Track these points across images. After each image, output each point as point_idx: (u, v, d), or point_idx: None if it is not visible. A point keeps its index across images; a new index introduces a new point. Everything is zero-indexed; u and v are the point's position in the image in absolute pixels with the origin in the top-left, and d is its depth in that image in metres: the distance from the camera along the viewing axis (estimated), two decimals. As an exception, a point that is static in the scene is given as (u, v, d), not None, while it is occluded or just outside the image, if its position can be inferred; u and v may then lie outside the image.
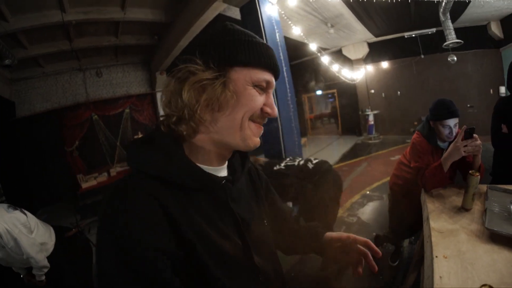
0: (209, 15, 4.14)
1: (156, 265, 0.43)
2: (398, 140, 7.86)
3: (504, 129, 1.88)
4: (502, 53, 6.73)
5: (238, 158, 0.69)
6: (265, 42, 0.58)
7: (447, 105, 1.66)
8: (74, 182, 5.92)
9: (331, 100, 18.07)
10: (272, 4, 3.39)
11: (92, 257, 3.46)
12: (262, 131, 0.60)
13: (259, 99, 0.56)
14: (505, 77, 1.97)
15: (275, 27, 3.32)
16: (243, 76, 0.54)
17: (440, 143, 1.76)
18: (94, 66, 6.48)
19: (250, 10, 3.27)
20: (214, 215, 0.55)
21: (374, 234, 2.64)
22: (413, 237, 2.66)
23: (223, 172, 0.62)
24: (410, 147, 1.89)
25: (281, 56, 3.32)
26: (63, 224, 4.37)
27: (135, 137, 6.15)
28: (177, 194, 0.50)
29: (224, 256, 0.53)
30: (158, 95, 7.46)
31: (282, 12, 3.63)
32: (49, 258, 1.85)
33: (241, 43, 0.54)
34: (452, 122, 1.65)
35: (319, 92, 10.70)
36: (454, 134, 1.68)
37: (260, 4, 3.19)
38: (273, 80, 0.59)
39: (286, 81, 3.41)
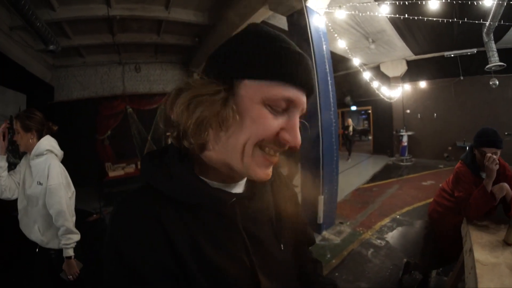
0: (253, 21, 4.14)
1: (156, 283, 0.41)
2: (431, 164, 7.53)
3: None
4: None
5: None
6: (299, 50, 0.45)
7: (488, 133, 1.69)
8: (102, 170, 6.10)
9: (363, 117, 17.82)
10: (320, 15, 3.33)
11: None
12: (273, 162, 0.47)
13: (271, 122, 0.43)
14: None
15: (322, 39, 3.25)
16: (252, 92, 0.42)
17: (482, 174, 1.73)
18: (133, 61, 6.72)
19: (298, 19, 3.21)
20: (222, 236, 0.48)
21: (405, 260, 2.56)
22: (441, 269, 2.54)
23: (239, 187, 0.55)
24: (454, 176, 1.89)
25: (327, 69, 3.24)
26: (86, 209, 4.52)
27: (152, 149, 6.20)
28: (181, 212, 0.46)
29: (228, 282, 0.47)
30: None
31: (329, 24, 3.56)
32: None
33: (255, 49, 0.43)
34: (490, 151, 1.64)
35: (353, 108, 10.49)
36: None
37: (309, 14, 3.13)
38: (301, 98, 0.45)
39: (331, 95, 3.33)
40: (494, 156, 1.59)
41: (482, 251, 1.29)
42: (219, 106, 0.42)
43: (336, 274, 2.66)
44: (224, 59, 0.44)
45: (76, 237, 1.66)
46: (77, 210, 1.80)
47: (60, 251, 1.66)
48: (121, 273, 0.42)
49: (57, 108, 6.00)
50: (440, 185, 2.16)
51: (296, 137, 0.45)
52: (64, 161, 1.81)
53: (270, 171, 0.48)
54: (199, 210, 0.47)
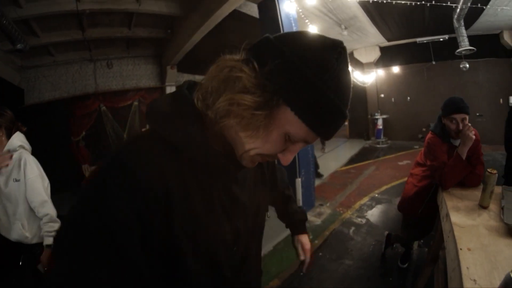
0: (225, 10, 4.10)
1: (127, 233, 0.40)
2: (406, 145, 7.82)
3: None
4: None
5: None
6: (344, 108, 0.46)
7: (455, 101, 1.74)
8: (79, 172, 5.90)
9: None
10: (291, 1, 3.35)
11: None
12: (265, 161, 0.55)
13: (279, 147, 0.47)
14: None
15: (293, 25, 3.28)
16: (285, 121, 0.44)
17: (453, 141, 1.80)
18: (105, 57, 6.45)
19: (269, 6, 3.23)
20: (213, 194, 0.52)
21: (386, 232, 2.66)
22: (422, 241, 2.70)
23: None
24: (425, 146, 1.92)
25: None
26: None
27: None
28: (180, 161, 0.48)
29: (204, 237, 0.50)
30: (168, 89, 7.40)
31: (300, 10, 3.59)
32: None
33: (315, 90, 0.42)
34: (460, 117, 1.70)
35: None
36: None
37: (279, 1, 3.14)
38: (314, 140, 0.48)
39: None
40: (465, 127, 1.65)
41: (458, 215, 1.33)
42: (258, 120, 0.43)
43: (320, 253, 2.72)
44: (285, 74, 0.42)
45: (57, 225, 1.65)
46: (61, 217, 1.78)
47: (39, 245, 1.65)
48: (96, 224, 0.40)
49: (28, 112, 5.70)
50: (406, 162, 2.27)
51: (287, 161, 0.49)
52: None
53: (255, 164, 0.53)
54: (197, 164, 0.49)
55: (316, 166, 4.92)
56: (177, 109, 0.49)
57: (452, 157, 1.70)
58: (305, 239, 1.01)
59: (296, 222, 1.03)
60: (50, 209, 1.61)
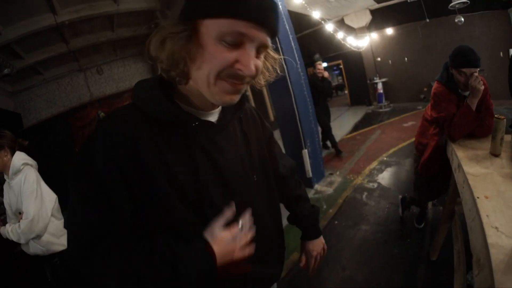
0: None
1: (111, 180, 0.50)
2: (409, 107, 7.70)
3: None
4: (511, 14, 6.34)
5: (233, 106, 0.65)
6: None
7: (465, 53, 1.58)
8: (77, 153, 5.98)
9: (336, 72, 17.83)
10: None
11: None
12: (241, 89, 0.56)
13: (226, 55, 0.49)
14: None
15: (278, -5, 3.17)
16: (210, 29, 0.49)
17: (461, 91, 1.69)
18: (94, 64, 6.41)
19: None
20: (185, 152, 0.58)
21: (400, 196, 2.62)
22: (435, 200, 2.65)
23: (213, 116, 0.65)
24: (432, 98, 1.81)
25: (286, 26, 3.16)
26: None
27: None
28: (153, 127, 0.55)
29: (185, 191, 0.56)
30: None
31: (282, -20, 3.45)
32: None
33: None
34: (469, 71, 1.56)
35: (324, 64, 10.45)
36: None
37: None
38: (254, 32, 0.49)
39: (294, 50, 3.30)
40: (474, 76, 1.54)
41: (470, 164, 1.28)
42: (184, 42, 0.50)
43: (336, 222, 2.73)
44: (186, 2, 0.51)
45: (21, 238, 1.64)
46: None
47: (61, 254, 1.77)
48: (85, 169, 0.52)
49: (29, 134, 5.74)
50: (411, 123, 2.18)
51: (247, 66, 0.50)
52: (49, 181, 1.83)
53: (236, 97, 0.56)
54: (168, 128, 0.56)
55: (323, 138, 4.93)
56: (146, 83, 0.59)
57: (460, 107, 1.62)
58: (315, 246, 0.95)
59: (306, 228, 0.97)
60: (39, 221, 1.64)
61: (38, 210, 1.63)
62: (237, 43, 0.49)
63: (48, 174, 1.83)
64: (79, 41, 5.29)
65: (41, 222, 1.64)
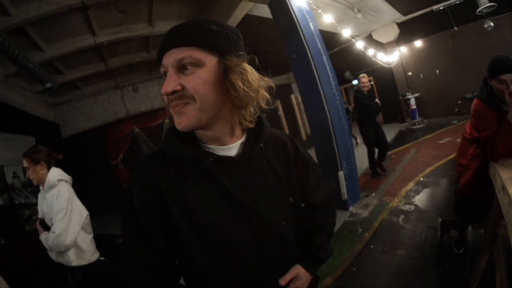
0: (236, 17, 4.14)
1: (145, 217, 0.60)
2: (444, 122, 7.37)
3: None
4: None
5: (253, 136, 0.71)
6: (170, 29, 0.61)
7: (502, 59, 1.52)
8: (122, 192, 6.21)
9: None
10: (300, -6, 3.30)
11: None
12: (180, 110, 0.59)
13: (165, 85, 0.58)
14: None
15: (308, 17, 3.21)
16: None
17: (503, 106, 1.57)
18: (130, 82, 6.78)
19: (280, 4, 3.19)
20: (202, 190, 0.62)
21: (440, 219, 2.48)
22: (476, 223, 2.46)
23: (233, 150, 0.67)
24: (472, 116, 1.71)
25: (319, 45, 3.20)
26: (115, 233, 4.61)
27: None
28: (174, 168, 0.62)
29: (203, 227, 0.61)
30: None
31: (311, 1, 3.51)
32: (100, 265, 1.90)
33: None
34: (509, 77, 1.48)
35: (355, 82, 10.31)
36: None
37: (288, -4, 3.10)
38: (164, 60, 0.60)
39: (328, 69, 3.29)
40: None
41: None
42: None
43: (371, 246, 2.63)
44: None
45: (51, 241, 1.72)
46: (106, 235, 1.91)
47: (84, 268, 1.82)
48: (124, 209, 0.63)
49: (66, 144, 6.12)
50: (447, 140, 2.08)
51: (163, 88, 0.58)
52: (83, 192, 1.94)
53: (180, 120, 0.59)
54: (186, 167, 0.63)
55: (372, 164, 4.42)
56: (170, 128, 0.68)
57: (503, 124, 1.50)
58: (306, 278, 0.78)
59: (312, 256, 0.83)
60: (66, 238, 1.70)
61: (65, 228, 1.71)
62: (166, 73, 0.59)
63: (82, 184, 1.92)
64: (116, 60, 5.64)
65: (68, 239, 1.70)
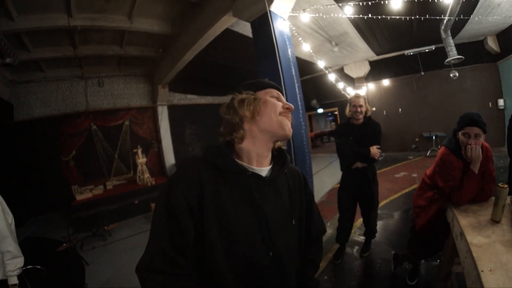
0: (217, 29, 4.14)
1: (179, 206, 0.69)
2: (401, 157, 7.85)
3: None
4: (499, 67, 6.89)
5: (280, 164, 0.89)
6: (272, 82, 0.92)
7: (470, 115, 1.64)
8: (69, 193, 5.70)
9: (330, 118, 18.36)
10: (284, 19, 3.38)
11: (84, 276, 3.26)
12: (290, 119, 0.86)
13: (278, 102, 0.85)
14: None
15: (287, 43, 3.28)
16: (263, 94, 0.86)
17: (467, 158, 1.67)
18: (96, 75, 6.43)
19: (262, 24, 3.22)
20: (238, 196, 0.75)
21: (393, 252, 2.56)
22: None
23: (263, 172, 0.83)
24: (438, 164, 1.77)
25: (293, 72, 3.27)
26: (55, 237, 4.16)
27: (134, 149, 6.11)
28: (216, 174, 0.75)
29: (231, 227, 0.72)
30: (159, 108, 7.41)
31: (293, 28, 3.62)
32: (32, 274, 1.69)
33: (256, 81, 0.90)
34: (472, 131, 1.60)
35: (320, 110, 10.71)
36: None
37: (273, 19, 3.15)
38: (279, 93, 0.90)
39: (298, 98, 3.34)
40: (471, 145, 1.59)
41: (473, 233, 1.30)
42: (254, 99, 0.83)
43: (325, 277, 2.59)
44: (247, 85, 0.88)
45: (21, 261, 1.59)
46: (45, 240, 1.69)
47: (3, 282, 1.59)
48: (161, 195, 0.73)
49: (16, 128, 5.56)
50: (403, 174, 2.17)
51: (289, 104, 0.88)
52: (29, 185, 1.69)
53: (290, 127, 0.85)
54: (228, 175, 0.76)
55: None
56: (216, 145, 0.82)
57: (466, 174, 1.63)
58: None
59: (306, 286, 0.94)
60: (11, 246, 1.56)
61: (10, 228, 1.58)
62: (278, 98, 0.87)
63: (26, 176, 1.70)
64: (87, 48, 5.33)
65: (14, 239, 1.57)
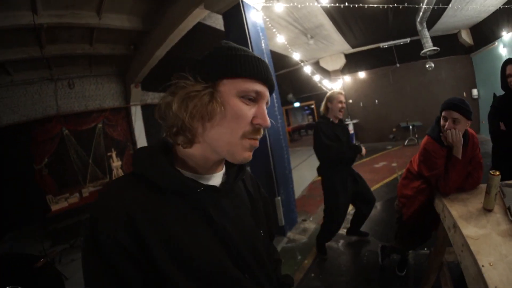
0: (189, 23, 4.04)
1: (117, 259, 0.47)
2: (379, 147, 8.05)
3: (502, 126, 1.94)
4: (473, 59, 7.26)
5: (235, 168, 0.70)
6: (256, 55, 0.58)
7: (451, 99, 1.60)
8: (43, 204, 5.41)
9: (307, 112, 18.60)
10: (257, 10, 3.34)
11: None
12: (256, 145, 0.59)
13: (246, 110, 0.56)
14: (499, 77, 2.06)
15: (260, 34, 3.24)
16: (229, 88, 0.55)
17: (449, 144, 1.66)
18: (66, 76, 6.13)
19: (234, 16, 3.16)
20: (190, 221, 0.56)
21: (380, 245, 2.54)
22: None
23: (216, 179, 0.65)
24: (422, 153, 1.73)
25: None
26: (32, 252, 3.92)
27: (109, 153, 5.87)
28: (153, 198, 0.53)
29: (194, 263, 0.53)
30: (133, 109, 7.19)
31: (267, 19, 3.59)
32: None
33: (228, 57, 0.55)
34: (451, 115, 1.57)
35: (297, 104, 10.79)
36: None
37: (245, 10, 3.10)
38: (265, 91, 0.58)
39: (274, 92, 3.27)
40: (450, 130, 1.56)
41: (467, 225, 1.23)
42: (206, 99, 0.53)
43: (312, 275, 2.52)
44: (206, 66, 0.56)
45: None
46: (22, 256, 1.58)
47: None
48: (92, 246, 0.48)
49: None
50: (383, 164, 2.15)
51: (265, 120, 0.57)
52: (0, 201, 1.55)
53: (251, 154, 0.59)
54: (171, 196, 0.55)
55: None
56: (147, 150, 0.59)
57: (450, 161, 1.60)
58: None
59: (284, 285, 0.88)
60: None
61: None
62: (254, 100, 0.57)
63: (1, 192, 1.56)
64: (55, 48, 5.03)
65: None
